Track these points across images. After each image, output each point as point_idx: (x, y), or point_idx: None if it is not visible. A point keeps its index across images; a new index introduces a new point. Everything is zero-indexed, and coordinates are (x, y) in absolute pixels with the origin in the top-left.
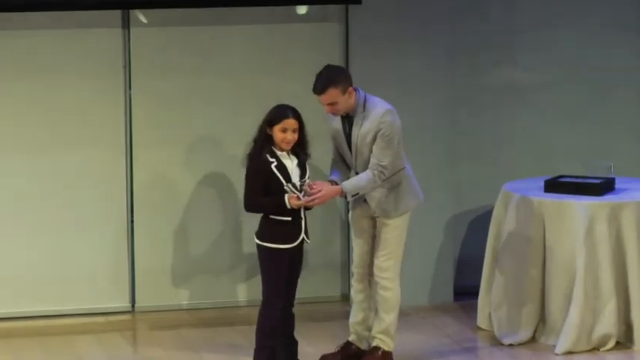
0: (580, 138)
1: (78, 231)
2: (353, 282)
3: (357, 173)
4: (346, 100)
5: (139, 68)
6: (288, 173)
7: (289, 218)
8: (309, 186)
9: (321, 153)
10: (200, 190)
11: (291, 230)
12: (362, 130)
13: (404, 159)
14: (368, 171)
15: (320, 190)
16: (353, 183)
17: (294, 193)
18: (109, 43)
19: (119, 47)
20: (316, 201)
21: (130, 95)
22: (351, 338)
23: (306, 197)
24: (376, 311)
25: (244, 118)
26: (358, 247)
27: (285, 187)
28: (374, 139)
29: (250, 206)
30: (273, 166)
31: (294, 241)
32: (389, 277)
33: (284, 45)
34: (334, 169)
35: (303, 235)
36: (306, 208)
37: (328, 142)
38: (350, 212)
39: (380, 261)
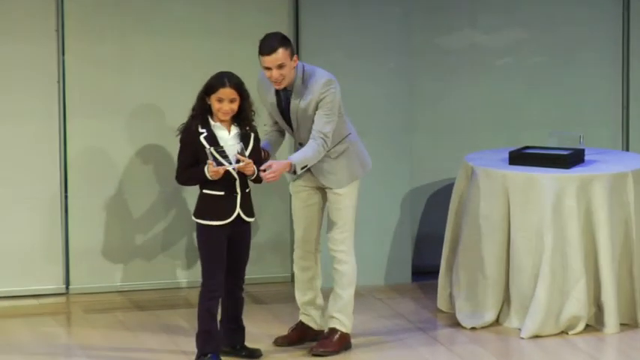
0: (547, 106)
1: (7, 207)
2: (296, 258)
3: (300, 144)
4: (292, 67)
5: (72, 32)
6: (223, 150)
7: (222, 193)
8: (240, 156)
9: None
10: (139, 163)
11: (224, 206)
12: (302, 103)
13: (348, 125)
14: (312, 141)
15: (271, 165)
16: (300, 156)
17: (216, 159)
18: (40, 5)
19: (51, 9)
20: (260, 174)
21: (63, 61)
22: (304, 319)
23: (233, 165)
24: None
25: (187, 85)
26: (303, 220)
27: (207, 151)
28: (316, 109)
29: (177, 177)
30: (202, 137)
31: (227, 217)
32: (344, 250)
33: (229, 5)
34: (265, 140)
35: (238, 210)
36: (255, 181)
37: None
38: (290, 184)
39: (335, 234)
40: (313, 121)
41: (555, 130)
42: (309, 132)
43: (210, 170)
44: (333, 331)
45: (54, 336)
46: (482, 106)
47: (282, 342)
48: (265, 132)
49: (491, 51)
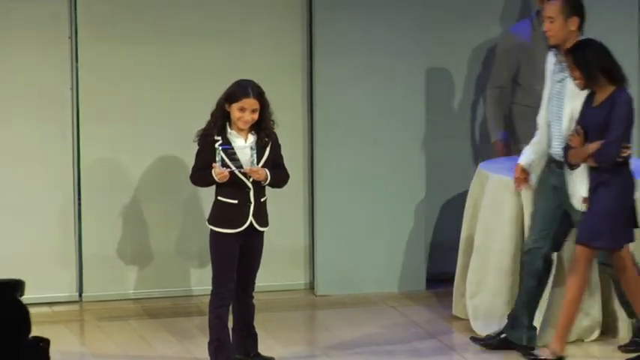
0: None
1: (20, 214)
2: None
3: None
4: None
5: (86, 39)
6: (234, 152)
7: (235, 201)
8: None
9: (285, 131)
10: (153, 170)
11: (237, 214)
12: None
13: None
14: None
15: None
16: None
17: (223, 159)
18: (54, 12)
19: (65, 16)
20: None
21: (76, 68)
22: None
23: (240, 168)
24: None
25: (200, 92)
26: None
27: (216, 147)
28: None
29: (190, 177)
30: (217, 144)
31: (240, 225)
32: None
33: (242, 12)
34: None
35: (250, 219)
36: (272, 186)
37: (291, 118)
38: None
39: None
40: None
41: None
42: None
43: (216, 173)
44: None
45: (67, 344)
46: None
47: None
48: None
49: None
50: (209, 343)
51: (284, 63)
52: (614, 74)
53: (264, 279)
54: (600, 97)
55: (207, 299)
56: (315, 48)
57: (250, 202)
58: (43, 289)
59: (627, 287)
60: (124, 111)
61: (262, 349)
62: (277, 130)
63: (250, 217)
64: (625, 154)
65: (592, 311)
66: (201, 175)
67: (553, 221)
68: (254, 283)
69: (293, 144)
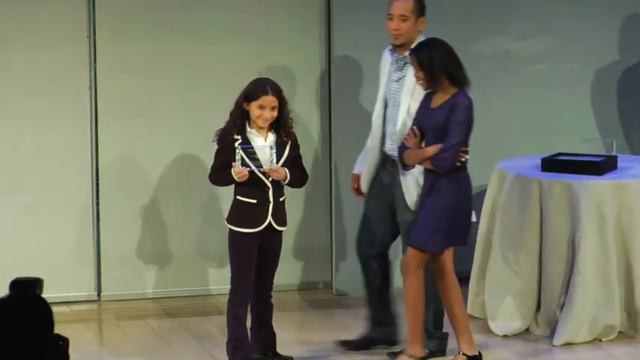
0: (579, 112)
1: (39, 214)
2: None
3: None
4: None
5: (104, 38)
6: (254, 152)
7: (254, 201)
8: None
9: (304, 131)
10: (171, 169)
11: (256, 214)
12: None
13: None
14: None
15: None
16: None
17: (243, 158)
18: (72, 12)
19: (83, 16)
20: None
21: (94, 67)
22: None
23: (260, 168)
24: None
25: (218, 91)
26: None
27: (236, 146)
28: None
29: (209, 176)
30: (237, 143)
31: (259, 225)
32: None
33: (259, 10)
34: None
35: (269, 219)
36: (292, 185)
37: (309, 118)
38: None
39: None
40: None
41: (587, 137)
42: None
43: (236, 172)
44: None
45: (85, 343)
46: (514, 113)
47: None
48: None
49: (524, 58)
50: (227, 343)
51: (302, 62)
52: (456, 76)
53: (283, 278)
54: (440, 98)
55: (226, 299)
56: (332, 45)
57: (269, 202)
58: (61, 288)
59: (444, 293)
60: (142, 110)
61: (280, 348)
62: (296, 129)
63: (269, 217)
64: (463, 159)
65: (610, 309)
66: (220, 174)
67: (382, 222)
68: (272, 283)
69: (311, 143)
